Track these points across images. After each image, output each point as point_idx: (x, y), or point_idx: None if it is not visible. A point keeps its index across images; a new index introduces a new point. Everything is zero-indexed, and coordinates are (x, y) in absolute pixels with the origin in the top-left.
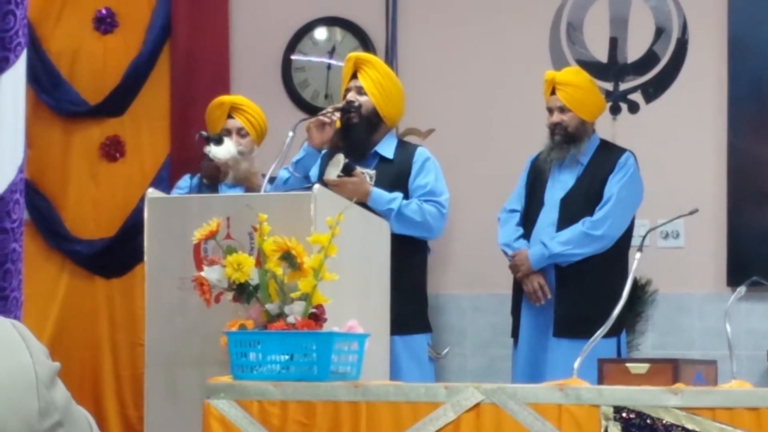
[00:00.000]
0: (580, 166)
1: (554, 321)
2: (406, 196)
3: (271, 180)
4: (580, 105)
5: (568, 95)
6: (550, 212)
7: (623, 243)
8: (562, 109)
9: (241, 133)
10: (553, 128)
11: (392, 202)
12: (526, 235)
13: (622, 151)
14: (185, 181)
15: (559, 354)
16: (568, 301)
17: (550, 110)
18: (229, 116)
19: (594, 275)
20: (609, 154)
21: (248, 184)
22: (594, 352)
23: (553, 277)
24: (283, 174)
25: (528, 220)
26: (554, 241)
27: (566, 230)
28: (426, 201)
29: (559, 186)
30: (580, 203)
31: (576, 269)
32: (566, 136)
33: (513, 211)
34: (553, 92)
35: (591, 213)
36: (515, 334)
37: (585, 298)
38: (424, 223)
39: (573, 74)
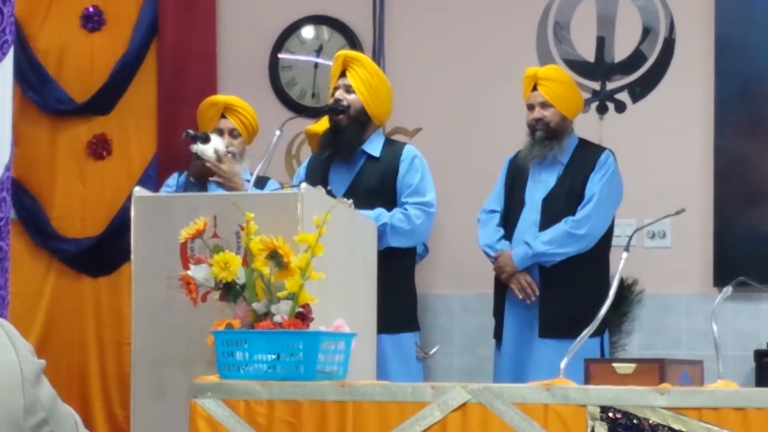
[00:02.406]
0: (561, 166)
1: (539, 321)
2: (394, 194)
3: (258, 179)
4: (562, 101)
5: (551, 90)
6: (531, 212)
7: (605, 242)
8: (544, 105)
9: (233, 134)
10: (534, 124)
11: (381, 217)
12: (507, 236)
13: (602, 149)
14: (173, 179)
15: (544, 354)
16: (552, 302)
17: (531, 107)
18: (222, 116)
19: (577, 275)
20: (589, 153)
21: (229, 187)
22: (578, 352)
23: (536, 278)
24: None
25: (509, 220)
26: (537, 240)
27: (549, 230)
28: (411, 204)
29: (540, 186)
30: (562, 203)
31: (559, 269)
32: (548, 132)
33: (492, 211)
34: (534, 89)
35: (573, 212)
36: (497, 335)
37: (569, 298)
38: (413, 230)
39: (554, 70)
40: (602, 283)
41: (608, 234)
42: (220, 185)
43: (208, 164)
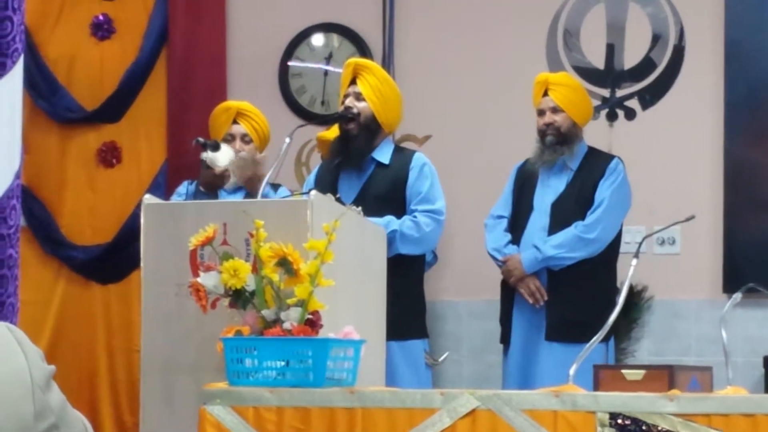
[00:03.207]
0: (570, 172)
1: (546, 325)
2: (403, 202)
3: (269, 186)
4: (573, 106)
5: (562, 95)
6: (540, 217)
7: (613, 248)
8: (555, 110)
9: (245, 139)
10: (545, 129)
11: (391, 225)
12: (516, 240)
13: (612, 157)
14: (183, 187)
15: (551, 358)
16: (560, 306)
17: (542, 112)
18: (234, 122)
19: (584, 280)
20: (598, 160)
21: (250, 187)
22: (584, 358)
23: (545, 282)
24: None
25: (517, 225)
26: (547, 244)
27: (559, 234)
28: (421, 212)
29: (549, 191)
30: (571, 208)
31: (567, 274)
32: (559, 137)
33: (500, 217)
34: (545, 94)
35: (582, 218)
36: (504, 340)
37: (576, 302)
38: (423, 237)
39: (565, 77)
40: (609, 288)
41: (616, 240)
42: (245, 181)
43: (240, 153)
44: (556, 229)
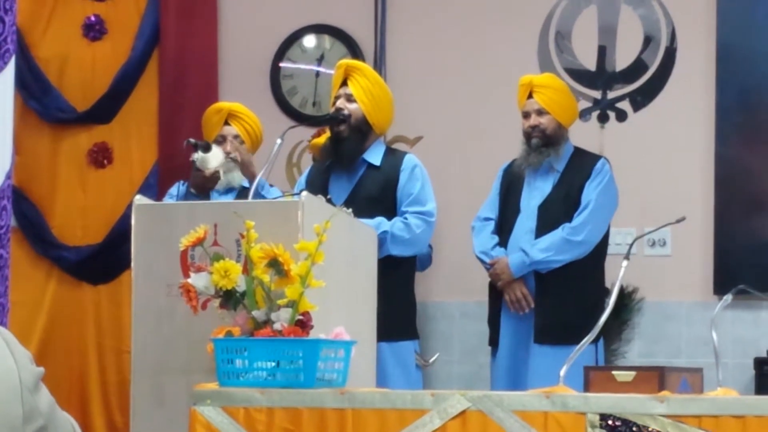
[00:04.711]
0: (556, 173)
1: (535, 328)
2: (394, 203)
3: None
4: (558, 108)
5: (547, 97)
6: (527, 220)
7: (600, 249)
8: (540, 112)
9: (236, 140)
10: (530, 131)
11: (381, 226)
12: (502, 243)
13: (598, 157)
14: (176, 188)
15: (541, 361)
16: (548, 308)
17: (527, 114)
18: (226, 123)
19: (573, 282)
20: (584, 161)
21: (250, 172)
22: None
23: (533, 285)
24: None
25: (503, 227)
26: (535, 248)
27: (546, 237)
28: (411, 213)
29: (535, 193)
30: (558, 210)
31: (555, 276)
32: (544, 139)
33: (487, 219)
34: (530, 96)
35: (569, 219)
36: (493, 342)
37: (565, 305)
38: (413, 239)
39: (550, 78)
40: (597, 290)
41: (604, 241)
42: (241, 168)
43: (229, 148)
44: (543, 232)
